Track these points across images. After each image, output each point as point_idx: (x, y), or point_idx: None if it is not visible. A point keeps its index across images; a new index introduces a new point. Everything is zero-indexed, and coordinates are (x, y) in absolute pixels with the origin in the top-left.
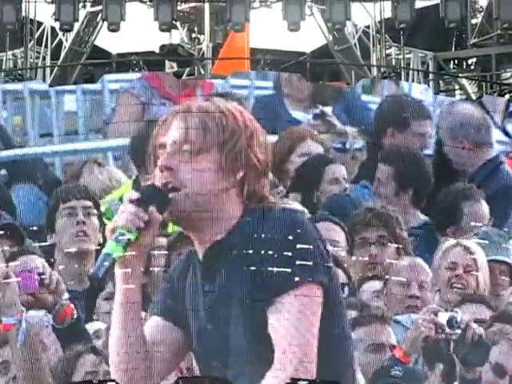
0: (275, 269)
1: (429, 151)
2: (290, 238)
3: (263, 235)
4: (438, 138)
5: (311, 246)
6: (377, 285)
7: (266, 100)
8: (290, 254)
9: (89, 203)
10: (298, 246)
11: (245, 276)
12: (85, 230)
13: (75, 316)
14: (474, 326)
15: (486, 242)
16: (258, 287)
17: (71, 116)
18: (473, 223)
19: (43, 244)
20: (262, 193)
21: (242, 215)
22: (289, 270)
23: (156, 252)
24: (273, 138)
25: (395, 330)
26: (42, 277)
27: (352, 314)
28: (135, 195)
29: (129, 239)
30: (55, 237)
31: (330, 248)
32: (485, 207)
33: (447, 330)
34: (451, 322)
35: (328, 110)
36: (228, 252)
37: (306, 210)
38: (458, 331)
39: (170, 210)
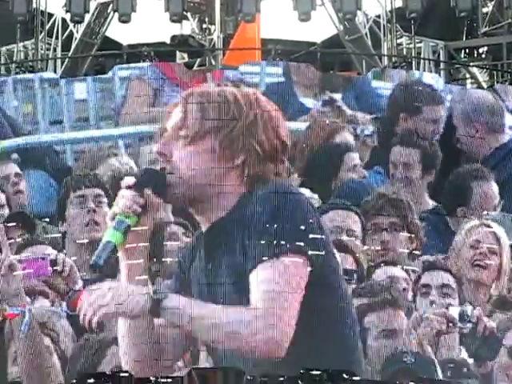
0: (287, 258)
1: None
2: (302, 227)
3: (275, 225)
4: (447, 122)
5: (323, 236)
6: (390, 270)
7: (276, 87)
8: (302, 244)
9: (100, 191)
10: (311, 236)
11: (237, 253)
12: (96, 219)
13: None
14: (486, 319)
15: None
16: (246, 258)
17: (82, 104)
18: (484, 211)
19: (54, 235)
20: (267, 176)
21: (244, 196)
22: (301, 260)
23: (169, 243)
24: (301, 125)
25: None
26: (56, 267)
27: (364, 299)
28: (132, 180)
29: (128, 225)
30: (66, 226)
31: (344, 238)
32: (494, 187)
33: (458, 323)
34: (462, 316)
35: (337, 96)
36: (228, 231)
37: (316, 196)
38: (469, 325)
39: (167, 193)
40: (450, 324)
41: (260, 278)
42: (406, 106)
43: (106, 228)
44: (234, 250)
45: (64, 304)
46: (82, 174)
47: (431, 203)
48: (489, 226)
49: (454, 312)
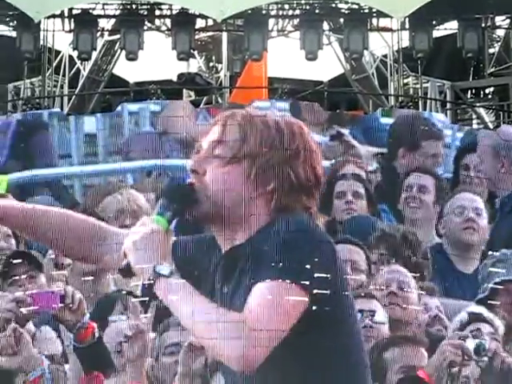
0: (291, 298)
1: (441, 171)
2: (308, 267)
3: (281, 264)
4: (456, 155)
5: (329, 275)
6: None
7: None
8: (307, 282)
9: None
10: (316, 275)
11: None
12: None
13: (96, 336)
14: (504, 354)
15: (505, 264)
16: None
17: (91, 138)
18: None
19: (60, 272)
20: (294, 208)
21: (267, 225)
22: (306, 299)
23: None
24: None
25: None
26: (65, 302)
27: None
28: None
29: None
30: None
31: (349, 275)
32: (478, 199)
33: (474, 357)
34: (478, 350)
35: (345, 131)
36: (244, 259)
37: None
38: (485, 359)
39: (195, 209)
40: (466, 356)
41: (256, 292)
42: (404, 141)
43: None
44: (247, 277)
45: (71, 336)
46: (84, 209)
47: (437, 239)
48: None
49: (471, 345)
